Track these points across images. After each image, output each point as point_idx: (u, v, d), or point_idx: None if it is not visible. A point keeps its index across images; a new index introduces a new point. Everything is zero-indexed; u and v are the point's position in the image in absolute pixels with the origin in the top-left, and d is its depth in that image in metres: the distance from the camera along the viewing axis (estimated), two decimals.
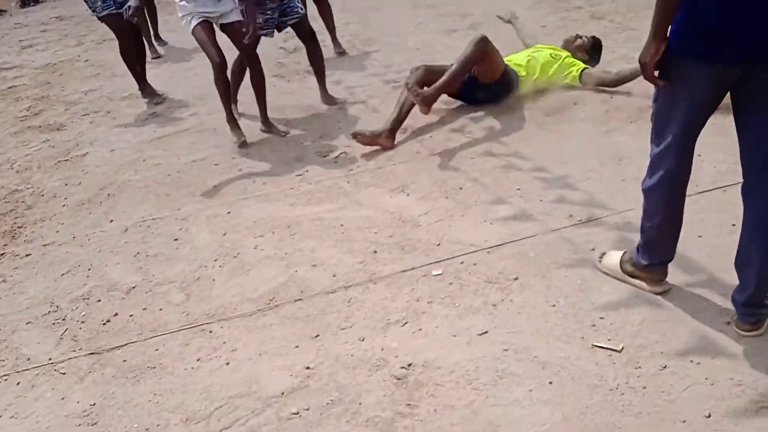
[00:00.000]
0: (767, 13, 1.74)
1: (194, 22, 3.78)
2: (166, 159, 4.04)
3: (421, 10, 6.71)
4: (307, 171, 3.61)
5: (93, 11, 4.70)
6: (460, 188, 3.19)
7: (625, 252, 2.37)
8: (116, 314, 2.65)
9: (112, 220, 3.40)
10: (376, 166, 3.56)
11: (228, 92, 4.04)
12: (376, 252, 2.78)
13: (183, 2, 3.77)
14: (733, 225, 2.56)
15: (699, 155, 3.07)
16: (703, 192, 2.80)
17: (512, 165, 3.31)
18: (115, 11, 4.65)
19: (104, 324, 2.60)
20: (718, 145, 3.11)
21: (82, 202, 3.66)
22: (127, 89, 5.51)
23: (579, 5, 5.88)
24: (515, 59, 4.07)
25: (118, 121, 4.84)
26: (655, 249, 2.22)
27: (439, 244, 2.77)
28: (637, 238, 2.29)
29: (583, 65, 4.08)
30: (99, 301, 2.75)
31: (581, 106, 3.81)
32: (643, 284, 2.30)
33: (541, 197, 2.99)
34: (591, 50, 4.21)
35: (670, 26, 1.89)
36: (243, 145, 3.97)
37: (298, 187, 3.44)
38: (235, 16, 3.82)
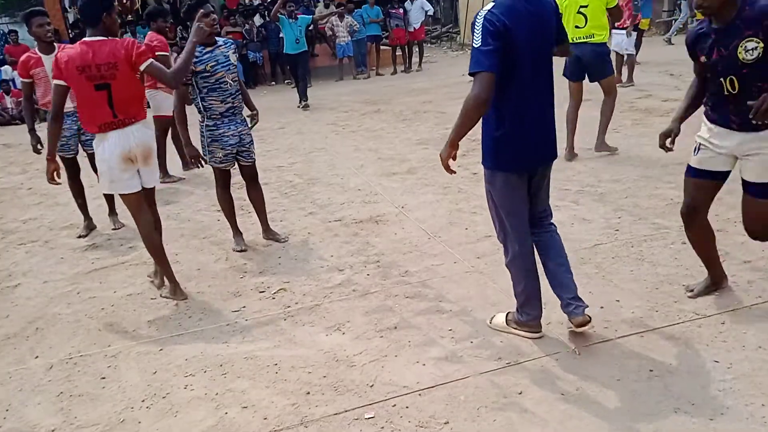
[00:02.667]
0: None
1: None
2: (102, 292, 4.00)
3: (363, 153, 7.13)
4: (244, 307, 3.63)
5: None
6: (395, 327, 3.27)
7: (509, 312, 3.11)
8: None
9: (37, 357, 3.29)
10: (313, 303, 3.62)
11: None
12: (309, 393, 2.77)
13: None
14: (651, 370, 2.71)
15: (617, 300, 3.31)
16: (622, 337, 2.96)
17: (444, 306, 3.43)
18: (71, 155, 4.97)
19: None
20: (634, 292, 3.35)
21: (7, 336, 3.54)
22: (68, 219, 5.52)
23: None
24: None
25: (56, 251, 4.80)
26: (527, 308, 2.99)
27: (372, 386, 2.79)
28: (561, 379, 2.42)
29: None
30: None
31: None
32: (523, 333, 3.04)
33: (471, 338, 3.09)
34: None
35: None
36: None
37: (234, 324, 3.45)
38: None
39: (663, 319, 3.09)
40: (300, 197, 5.66)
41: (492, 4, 2.64)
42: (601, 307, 3.23)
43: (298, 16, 11.14)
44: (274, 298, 3.72)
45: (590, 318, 2.88)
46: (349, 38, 14.09)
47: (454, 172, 2.77)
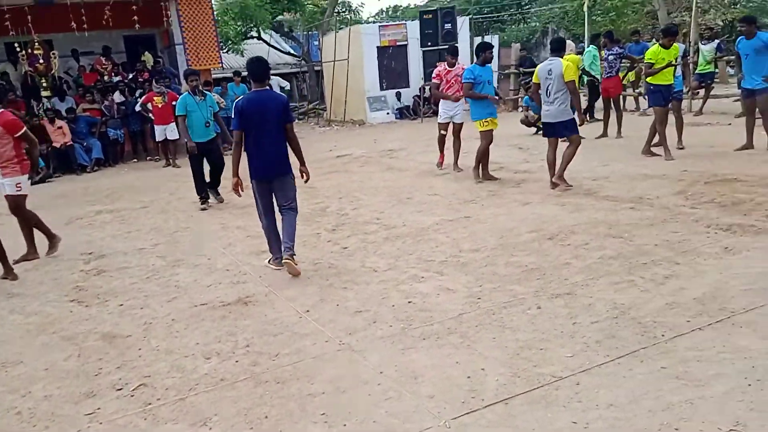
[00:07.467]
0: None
1: None
2: None
3: (231, 231, 6.92)
4: (98, 409, 3.33)
5: None
6: (266, 417, 3.13)
7: (270, 258, 5.52)
8: None
9: None
10: (177, 397, 3.40)
11: None
12: None
13: None
14: None
15: (483, 369, 3.42)
16: (488, 406, 3.04)
17: (316, 388, 3.36)
18: None
19: None
20: (497, 359, 3.48)
21: None
22: None
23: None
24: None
25: None
26: (273, 252, 5.49)
27: None
28: None
29: None
30: None
31: (379, 324, 4.08)
32: (273, 266, 5.43)
33: (345, 421, 3.02)
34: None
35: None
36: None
37: (86, 430, 3.15)
38: None
39: (524, 384, 3.23)
40: (163, 281, 5.40)
41: (242, 97, 5.22)
42: (468, 377, 3.32)
43: (207, 92, 8.62)
44: (132, 396, 3.46)
45: (296, 263, 5.12)
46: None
47: (240, 195, 5.39)
